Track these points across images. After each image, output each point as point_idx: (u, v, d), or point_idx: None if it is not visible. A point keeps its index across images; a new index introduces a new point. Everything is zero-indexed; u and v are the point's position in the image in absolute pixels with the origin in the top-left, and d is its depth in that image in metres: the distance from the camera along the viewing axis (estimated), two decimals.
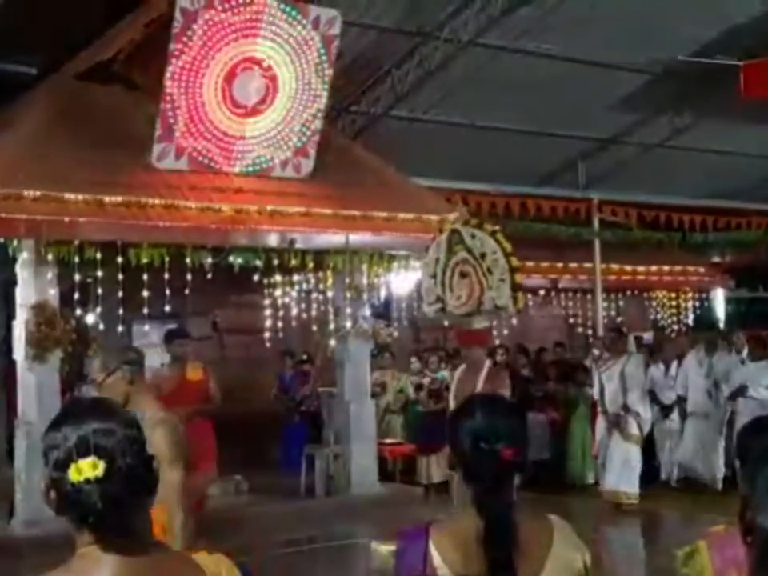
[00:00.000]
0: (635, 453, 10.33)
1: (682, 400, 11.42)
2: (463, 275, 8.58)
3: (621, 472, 10.22)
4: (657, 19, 12.73)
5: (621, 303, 18.48)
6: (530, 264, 16.71)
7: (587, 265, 16.92)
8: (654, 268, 18.32)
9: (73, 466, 1.87)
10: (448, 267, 8.74)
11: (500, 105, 14.44)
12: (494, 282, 8.35)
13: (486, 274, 8.39)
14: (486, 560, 2.24)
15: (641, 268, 18.18)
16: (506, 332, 16.15)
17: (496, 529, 2.27)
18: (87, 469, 1.87)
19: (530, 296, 17.68)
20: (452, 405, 8.04)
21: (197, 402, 8.21)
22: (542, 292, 17.61)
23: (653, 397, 11.31)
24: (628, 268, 18.00)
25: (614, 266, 17.60)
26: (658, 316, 18.97)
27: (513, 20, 12.80)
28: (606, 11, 12.57)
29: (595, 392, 10.92)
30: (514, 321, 16.94)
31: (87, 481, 1.86)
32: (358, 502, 10.57)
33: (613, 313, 18.03)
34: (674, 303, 19.21)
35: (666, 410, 11.64)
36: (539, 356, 14.64)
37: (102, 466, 1.87)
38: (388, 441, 12.37)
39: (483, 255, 8.44)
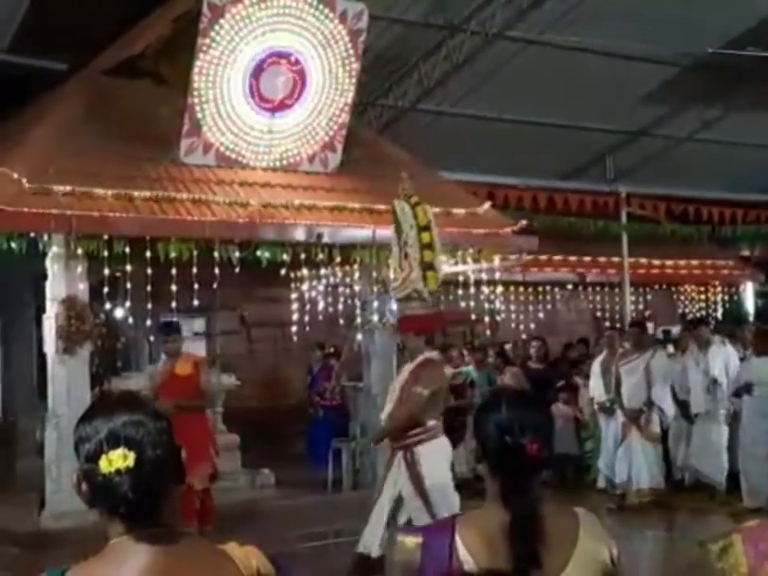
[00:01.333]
0: (654, 451, 10.08)
1: (684, 401, 10.80)
2: (406, 255, 7.69)
3: (639, 470, 9.93)
4: (686, 11, 12.64)
5: (649, 297, 18.37)
6: (558, 258, 16.70)
7: (615, 259, 16.83)
8: (682, 262, 18.20)
9: (104, 458, 1.90)
10: (401, 247, 7.83)
11: (527, 98, 14.39)
12: (413, 261, 7.55)
13: (409, 252, 7.58)
14: (512, 554, 2.25)
15: (669, 262, 18.06)
16: (532, 326, 16.14)
17: (522, 522, 2.27)
18: (118, 460, 1.90)
19: (557, 290, 17.66)
20: (389, 398, 7.21)
21: (186, 397, 8.05)
22: (569, 286, 17.55)
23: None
24: (656, 262, 17.88)
25: (642, 260, 17.49)
26: (687, 310, 18.84)
27: (540, 12, 12.77)
28: (635, 3, 12.50)
29: (595, 390, 10.56)
30: (541, 315, 16.99)
31: (118, 472, 1.89)
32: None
33: (641, 307, 17.93)
34: (702, 297, 19.07)
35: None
36: (565, 352, 14.54)
37: (132, 456, 1.90)
38: None
39: (407, 233, 7.65)
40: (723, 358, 10.51)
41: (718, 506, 9.82)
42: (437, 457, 6.91)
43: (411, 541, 2.38)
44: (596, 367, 10.69)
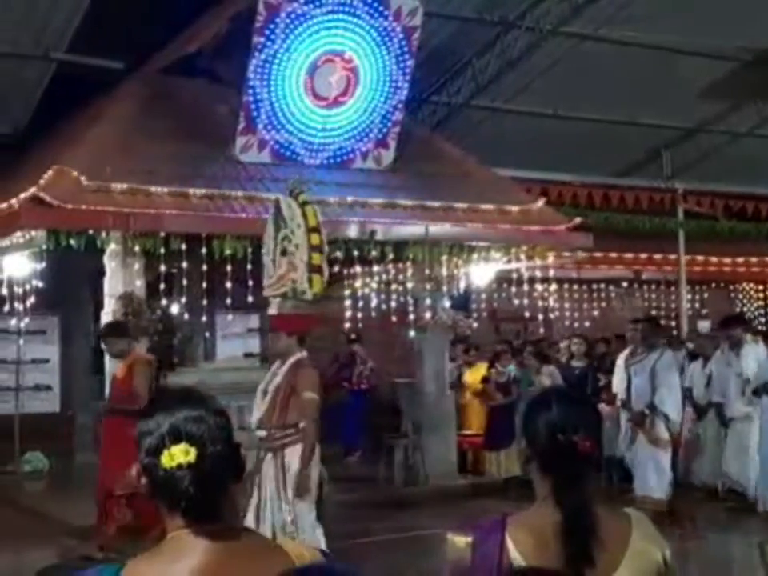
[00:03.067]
0: (664, 458, 9.18)
1: (718, 404, 10.15)
2: (284, 252, 7.57)
3: (647, 477, 9.12)
4: (745, 6, 12.43)
5: (705, 295, 18.11)
6: (613, 255, 16.54)
7: (671, 256, 16.61)
8: (740, 259, 17.90)
9: (165, 452, 1.92)
10: (277, 243, 7.69)
11: (582, 94, 14.26)
12: (297, 262, 7.39)
13: (294, 251, 7.43)
14: (565, 553, 2.23)
15: (727, 259, 17.78)
16: (587, 324, 16.01)
17: (574, 521, 2.26)
18: (179, 455, 1.91)
19: (611, 287, 17.49)
20: (256, 397, 7.01)
21: (118, 399, 7.94)
22: (624, 284, 17.37)
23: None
24: (713, 259, 17.62)
25: (699, 258, 17.24)
26: (745, 308, 18.54)
27: (595, 8, 12.63)
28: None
29: (617, 387, 9.84)
30: (596, 312, 16.84)
31: (179, 466, 1.91)
32: (437, 492, 10.56)
33: (697, 305, 17.69)
34: (761, 295, 18.75)
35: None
36: (607, 347, 14.19)
37: (193, 452, 1.92)
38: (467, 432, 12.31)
39: (293, 231, 7.50)
40: (755, 357, 9.86)
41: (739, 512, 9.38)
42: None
43: (461, 540, 2.37)
44: (620, 362, 9.92)
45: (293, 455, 6.77)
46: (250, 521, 6.74)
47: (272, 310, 8.08)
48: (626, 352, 9.93)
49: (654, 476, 9.12)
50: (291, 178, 8.56)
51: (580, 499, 2.30)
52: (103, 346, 8.39)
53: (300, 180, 8.19)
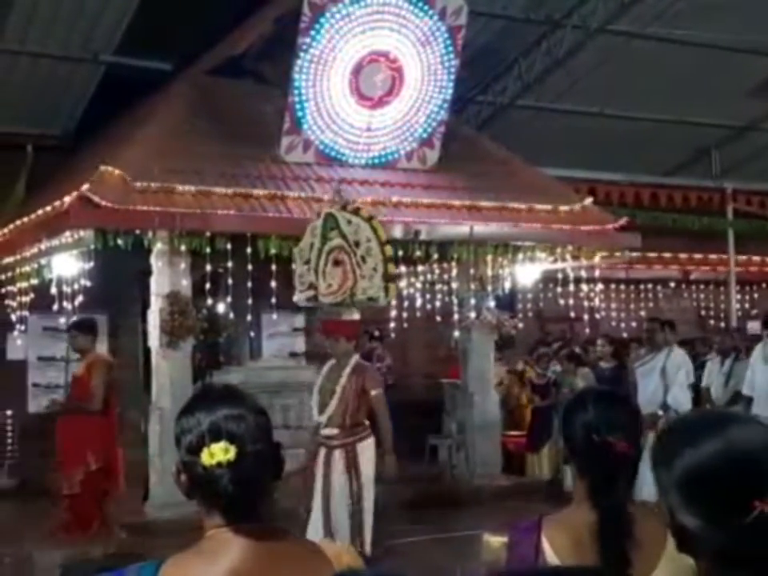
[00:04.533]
0: None
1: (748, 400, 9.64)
2: (337, 263, 7.98)
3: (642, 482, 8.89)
4: None
5: (756, 296, 17.84)
6: (663, 255, 16.35)
7: (722, 256, 16.38)
8: None
9: (205, 450, 1.92)
10: (323, 253, 8.12)
11: (630, 92, 14.12)
12: (366, 272, 7.79)
13: (360, 262, 7.82)
14: (601, 554, 2.21)
15: None
16: (634, 324, 15.84)
17: (611, 523, 2.24)
18: (219, 453, 1.92)
19: (659, 288, 17.29)
20: (314, 403, 7.55)
21: (75, 398, 8.03)
22: (672, 284, 17.16)
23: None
24: (764, 259, 17.35)
25: (749, 257, 16.99)
26: None
27: (643, 6, 12.51)
28: None
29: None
30: (643, 313, 16.64)
31: (219, 465, 1.91)
32: (480, 493, 10.53)
33: (747, 305, 17.42)
34: None
35: None
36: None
37: (233, 450, 1.92)
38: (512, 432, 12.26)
39: (357, 243, 7.86)
40: None
41: None
42: (372, 453, 7.40)
43: (497, 540, 2.37)
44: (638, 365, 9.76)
45: (363, 450, 7.33)
46: (317, 518, 7.19)
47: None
48: (644, 352, 10.00)
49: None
50: (332, 186, 8.90)
51: (616, 500, 2.28)
52: (67, 338, 8.49)
53: (338, 189, 8.55)
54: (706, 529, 1.48)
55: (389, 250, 7.87)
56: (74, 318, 9.04)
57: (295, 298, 8.55)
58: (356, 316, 8.29)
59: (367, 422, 7.46)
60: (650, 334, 9.66)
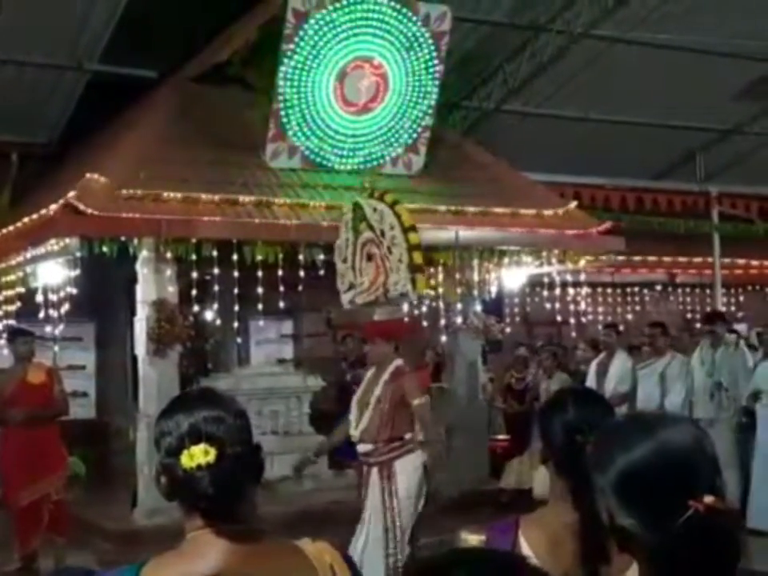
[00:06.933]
0: None
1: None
2: (369, 257, 7.31)
3: None
4: None
5: (741, 298, 17.93)
6: (649, 259, 16.42)
7: (707, 259, 16.47)
8: None
9: (185, 453, 1.94)
10: (357, 248, 7.44)
11: (614, 97, 14.18)
12: (393, 264, 7.06)
13: (387, 254, 7.13)
14: (581, 553, 2.23)
15: (765, 262, 17.59)
16: (621, 327, 15.88)
17: (591, 521, 2.25)
18: (199, 455, 1.92)
19: (646, 291, 17.37)
20: (351, 416, 6.74)
21: (40, 406, 7.92)
22: (658, 287, 17.24)
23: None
24: (753, 262, 17.44)
25: (734, 260, 17.08)
26: None
27: (627, 10, 12.56)
28: (724, 1, 12.22)
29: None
30: (630, 316, 16.71)
31: (199, 467, 1.92)
32: (467, 497, 10.52)
33: (733, 308, 17.51)
34: None
35: None
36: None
37: (213, 452, 1.93)
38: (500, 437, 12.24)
39: (383, 232, 7.20)
40: (731, 361, 9.62)
41: None
42: (414, 471, 6.59)
43: (474, 539, 2.39)
44: (592, 368, 10.00)
45: (402, 468, 6.54)
46: (356, 539, 6.52)
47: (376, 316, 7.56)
48: (598, 359, 9.97)
49: None
50: (363, 179, 8.31)
51: (596, 499, 2.30)
52: (13, 345, 8.23)
53: (370, 179, 8.01)
54: (643, 530, 1.49)
55: (414, 237, 7.15)
56: (15, 326, 9.06)
57: (342, 300, 7.86)
58: (389, 314, 7.14)
59: (409, 435, 6.65)
60: (652, 339, 9.79)
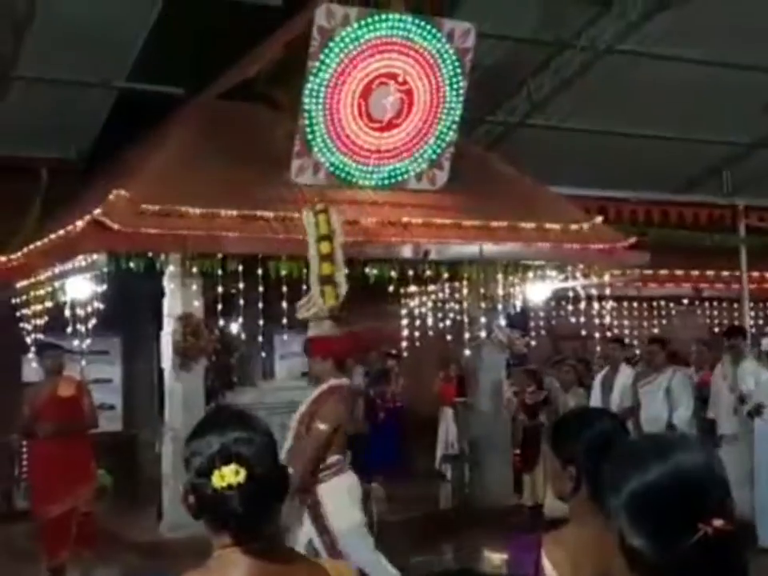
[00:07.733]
0: None
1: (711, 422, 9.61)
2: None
3: None
4: None
5: None
6: (675, 272, 16.34)
7: (734, 273, 16.34)
8: None
9: (216, 473, 1.98)
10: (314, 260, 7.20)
11: (639, 111, 14.17)
12: (312, 277, 6.80)
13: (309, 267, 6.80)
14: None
15: None
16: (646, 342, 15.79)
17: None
18: (230, 475, 1.97)
19: (672, 305, 17.27)
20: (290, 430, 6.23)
21: (69, 419, 8.01)
22: (684, 301, 17.14)
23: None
24: None
25: (762, 274, 16.95)
26: None
27: (651, 25, 12.58)
28: (748, 13, 12.19)
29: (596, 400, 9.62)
30: (656, 330, 16.61)
31: (230, 487, 1.97)
32: (492, 511, 10.51)
33: (761, 322, 17.38)
34: None
35: None
36: None
37: (243, 472, 1.98)
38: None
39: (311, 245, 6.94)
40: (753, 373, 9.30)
41: None
42: (341, 495, 6.09)
43: (497, 557, 2.42)
44: (597, 383, 9.99)
45: (328, 495, 6.05)
46: None
47: (311, 332, 7.44)
48: (603, 373, 10.04)
49: None
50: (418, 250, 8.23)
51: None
52: (42, 359, 8.43)
53: (321, 192, 7.87)
54: (653, 550, 1.52)
55: (325, 246, 6.85)
56: (44, 340, 9.22)
57: (297, 315, 7.68)
58: (337, 331, 6.73)
59: (334, 458, 6.11)
60: (651, 355, 9.69)
